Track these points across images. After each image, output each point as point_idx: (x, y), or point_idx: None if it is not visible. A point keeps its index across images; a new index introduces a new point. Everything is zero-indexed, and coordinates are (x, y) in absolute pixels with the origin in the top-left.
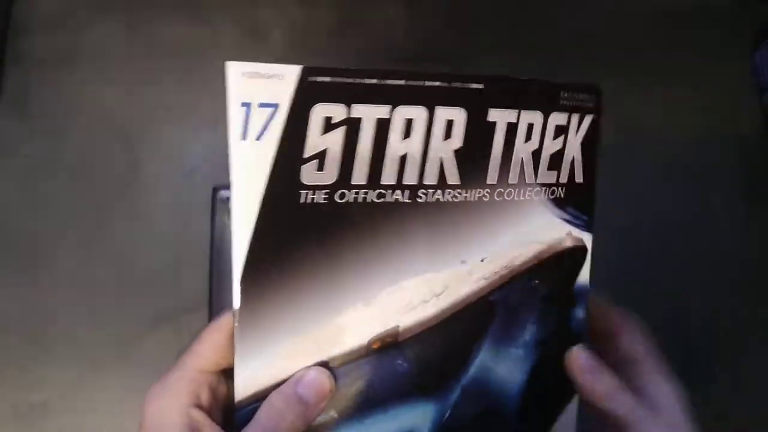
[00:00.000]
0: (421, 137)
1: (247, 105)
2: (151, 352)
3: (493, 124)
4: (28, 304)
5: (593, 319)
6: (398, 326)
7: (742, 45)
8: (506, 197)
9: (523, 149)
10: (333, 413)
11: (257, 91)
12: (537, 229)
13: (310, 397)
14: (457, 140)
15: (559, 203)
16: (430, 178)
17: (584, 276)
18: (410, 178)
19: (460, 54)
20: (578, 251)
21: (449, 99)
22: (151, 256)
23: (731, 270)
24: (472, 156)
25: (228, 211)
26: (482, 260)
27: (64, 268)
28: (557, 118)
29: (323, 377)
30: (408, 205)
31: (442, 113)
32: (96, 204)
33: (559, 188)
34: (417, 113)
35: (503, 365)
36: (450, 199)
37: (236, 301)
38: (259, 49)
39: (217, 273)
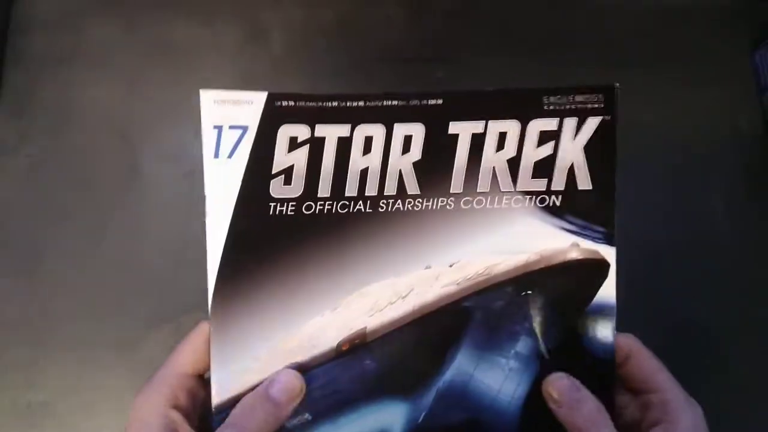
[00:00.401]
0: (380, 152)
1: (218, 127)
2: (151, 352)
3: (455, 136)
4: (28, 304)
5: None
6: (365, 327)
7: (742, 45)
8: (475, 205)
9: (494, 158)
10: (307, 416)
11: (228, 115)
12: (522, 238)
13: (281, 398)
14: (416, 153)
15: (553, 212)
16: (390, 189)
17: (606, 293)
18: (371, 190)
19: (460, 54)
20: (593, 265)
21: (407, 116)
22: (151, 256)
23: (731, 270)
24: (432, 167)
25: None
26: (450, 266)
27: (64, 268)
28: (541, 124)
29: (294, 379)
30: (370, 214)
31: (400, 130)
32: (96, 204)
33: (553, 196)
34: (376, 131)
35: (488, 374)
36: (410, 208)
37: (211, 308)
38: (259, 49)
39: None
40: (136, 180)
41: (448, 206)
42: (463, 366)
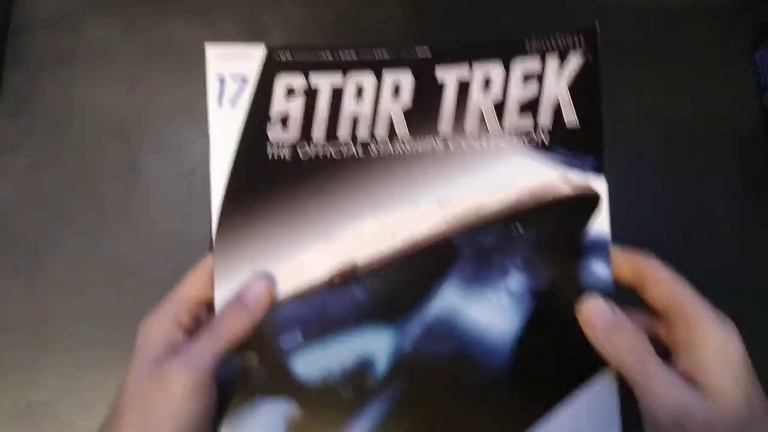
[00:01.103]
0: (372, 99)
1: (221, 78)
2: None
3: (442, 81)
4: (28, 304)
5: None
6: (355, 261)
7: (742, 45)
8: (464, 147)
9: (480, 101)
10: (299, 337)
11: (230, 67)
12: (511, 176)
13: (252, 303)
14: (405, 99)
15: (541, 148)
16: (382, 134)
17: (599, 225)
18: (363, 135)
19: None
20: (584, 197)
21: (396, 64)
22: (151, 256)
23: (731, 269)
24: (421, 112)
25: None
26: (440, 204)
27: (64, 268)
28: (525, 66)
29: (263, 286)
30: (362, 158)
31: (390, 77)
32: (96, 204)
33: (540, 132)
34: (366, 79)
35: (477, 309)
36: (401, 152)
37: (214, 240)
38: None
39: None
40: (136, 180)
41: (436, 148)
42: (451, 299)
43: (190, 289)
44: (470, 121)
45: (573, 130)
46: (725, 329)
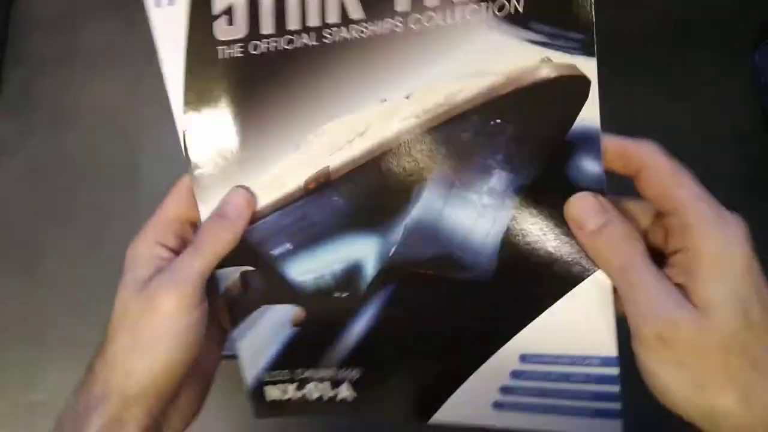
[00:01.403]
0: None
1: None
2: None
3: None
4: (28, 305)
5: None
6: (328, 166)
7: (742, 45)
8: (426, 24)
9: None
10: (288, 245)
11: None
12: (483, 58)
13: (232, 214)
14: None
15: (516, 21)
16: (333, 17)
17: (589, 115)
18: (314, 20)
19: None
20: (568, 83)
21: None
22: None
23: None
24: None
25: None
26: (407, 97)
27: (64, 268)
28: None
29: (241, 197)
30: (316, 47)
31: None
32: (96, 204)
33: (513, 0)
34: None
35: (460, 211)
36: (357, 36)
37: (186, 158)
38: None
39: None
40: (136, 180)
41: (396, 28)
42: (431, 202)
43: (172, 208)
44: None
45: None
46: (725, 233)
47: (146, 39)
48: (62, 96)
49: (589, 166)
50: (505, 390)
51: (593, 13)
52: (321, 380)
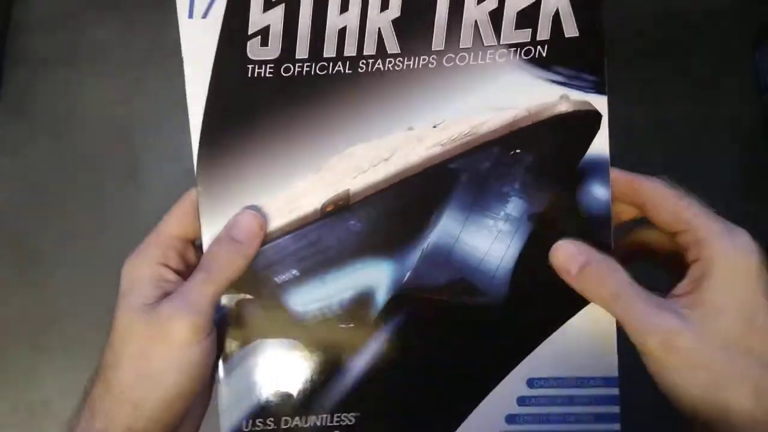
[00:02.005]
0: (358, 10)
1: None
2: None
3: None
4: (28, 305)
5: (614, 196)
6: (348, 190)
7: (742, 45)
8: (458, 62)
9: (475, 11)
10: (294, 272)
11: None
12: (508, 94)
13: (243, 237)
14: (395, 10)
15: (540, 63)
16: (370, 49)
17: (599, 147)
18: (350, 50)
19: None
20: (583, 117)
21: None
22: None
23: None
24: (412, 24)
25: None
26: (434, 126)
27: (64, 268)
28: None
29: (252, 218)
30: (350, 75)
31: None
32: (96, 204)
33: (538, 47)
34: None
35: (476, 236)
36: (391, 68)
37: (196, 172)
38: None
39: None
40: (136, 180)
41: (429, 65)
42: (449, 228)
43: (173, 226)
44: (465, 34)
45: (573, 43)
46: (735, 243)
47: (146, 39)
48: (62, 96)
49: (599, 192)
50: (511, 419)
51: (605, 58)
52: (310, 430)
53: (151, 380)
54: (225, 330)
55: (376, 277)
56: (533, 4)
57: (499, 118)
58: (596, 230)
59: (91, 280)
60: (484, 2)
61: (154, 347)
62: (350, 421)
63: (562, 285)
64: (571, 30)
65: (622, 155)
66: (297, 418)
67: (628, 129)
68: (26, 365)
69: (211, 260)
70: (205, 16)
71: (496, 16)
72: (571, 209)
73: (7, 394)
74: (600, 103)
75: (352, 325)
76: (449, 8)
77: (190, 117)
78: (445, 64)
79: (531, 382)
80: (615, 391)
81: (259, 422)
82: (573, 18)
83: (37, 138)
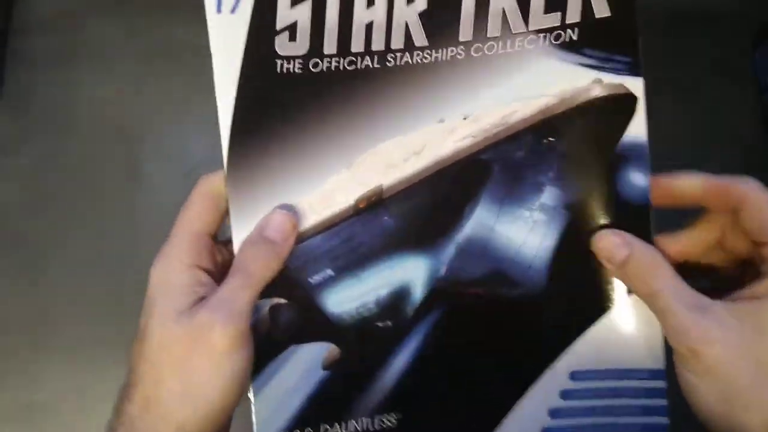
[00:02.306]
0: (385, 4)
1: None
2: None
3: None
4: (28, 305)
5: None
6: (381, 185)
7: (742, 45)
8: (487, 52)
9: None
10: (329, 271)
11: None
12: (539, 82)
13: (276, 237)
14: (422, 2)
15: (570, 47)
16: (398, 43)
17: (636, 131)
18: (378, 45)
19: None
20: (618, 100)
21: None
22: (151, 256)
23: None
24: (439, 16)
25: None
26: (465, 118)
27: (64, 268)
28: None
29: (284, 217)
30: (378, 70)
31: None
32: (96, 204)
33: (568, 30)
34: None
35: (511, 227)
36: (419, 61)
37: (226, 168)
38: None
39: None
40: (136, 180)
41: (458, 56)
42: (483, 219)
43: (196, 222)
44: (492, 23)
45: (604, 24)
46: None
47: (146, 39)
48: (62, 96)
49: (636, 179)
50: (555, 413)
51: (639, 37)
52: None
53: (194, 397)
54: (258, 337)
55: (412, 272)
56: None
57: (531, 106)
58: (635, 220)
59: (91, 280)
60: None
61: (194, 358)
62: (392, 423)
63: (602, 275)
64: (602, 10)
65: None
66: (337, 424)
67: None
68: (26, 365)
69: (245, 262)
70: (233, 11)
71: (524, 1)
72: (608, 197)
73: (7, 394)
74: (635, 85)
75: (389, 323)
76: None
77: (219, 113)
78: (473, 54)
79: (574, 375)
80: (662, 383)
81: None
82: None
83: (37, 138)
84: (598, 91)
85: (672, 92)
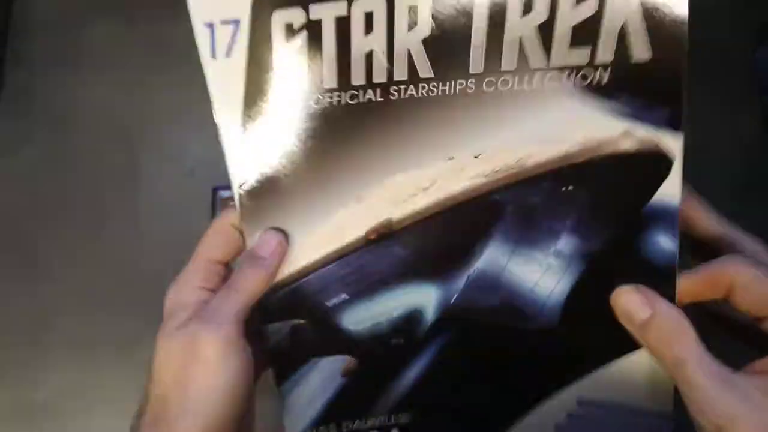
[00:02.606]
0: (384, 30)
1: (210, 24)
2: (151, 352)
3: (470, 1)
4: (28, 305)
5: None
6: (391, 218)
7: (742, 45)
8: (500, 87)
9: (520, 25)
10: (344, 296)
11: (217, 10)
12: (560, 126)
13: (263, 253)
14: (425, 28)
15: (599, 91)
16: (400, 74)
17: (668, 192)
18: (379, 76)
19: None
20: (648, 158)
21: None
22: (151, 256)
23: None
24: (446, 44)
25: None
26: (476, 157)
27: (64, 268)
28: None
29: (270, 235)
30: (382, 103)
31: (402, 1)
32: (96, 204)
33: (599, 70)
34: (375, 4)
35: (524, 268)
36: (425, 94)
37: (238, 205)
38: None
39: None
40: (136, 180)
41: (468, 90)
42: (495, 257)
43: (211, 251)
44: (508, 54)
45: (642, 69)
46: None
47: (147, 39)
48: (62, 96)
49: (665, 242)
50: (560, 429)
51: (684, 88)
52: (369, 430)
53: (192, 409)
54: (281, 354)
55: (423, 298)
56: (593, 15)
57: (549, 151)
58: (659, 281)
59: (91, 279)
60: (531, 14)
61: (189, 369)
62: (406, 419)
63: (619, 326)
64: (642, 51)
65: None
66: (357, 421)
67: None
68: (27, 365)
69: (235, 277)
70: (228, 54)
71: (546, 31)
72: (631, 254)
73: (7, 394)
74: (672, 143)
75: (401, 340)
76: (488, 23)
77: (226, 155)
78: (485, 88)
79: (581, 403)
80: (669, 425)
81: (322, 429)
82: (646, 36)
83: (36, 138)
84: (626, 145)
85: None
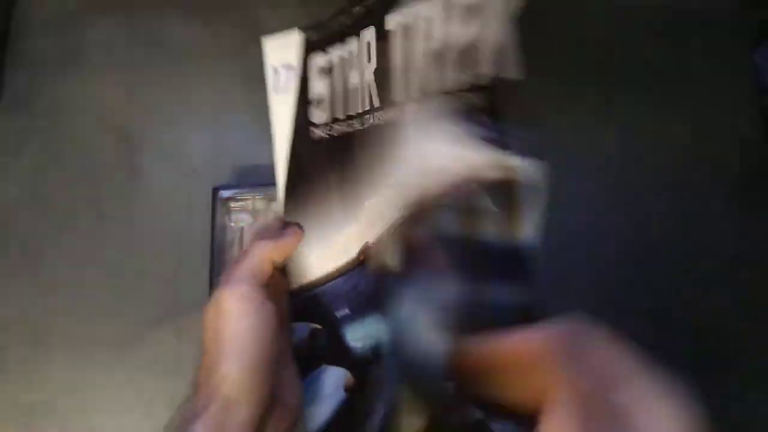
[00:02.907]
0: (358, 66)
1: (275, 68)
2: (151, 352)
3: (391, 32)
4: (28, 304)
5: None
6: (368, 242)
7: (742, 45)
8: (415, 115)
9: (423, 51)
10: (347, 310)
11: (280, 57)
12: (442, 155)
13: (277, 228)
14: (374, 60)
15: (474, 114)
16: (365, 104)
17: (527, 227)
18: (355, 108)
19: None
20: (507, 185)
21: (367, 21)
22: (151, 255)
23: (731, 271)
24: (382, 73)
25: (228, 211)
26: (393, 191)
27: (64, 268)
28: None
29: (293, 226)
30: (359, 131)
31: (365, 36)
32: (96, 204)
33: (474, 92)
34: (352, 45)
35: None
36: (376, 122)
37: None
38: (259, 49)
39: (217, 273)
40: (136, 180)
41: (396, 118)
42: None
43: (268, 251)
44: (415, 80)
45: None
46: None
47: (147, 40)
48: (63, 96)
49: (512, 293)
50: None
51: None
52: None
53: (226, 352)
54: (301, 353)
55: (381, 328)
56: (477, 35)
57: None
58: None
59: (91, 280)
60: (430, 39)
61: (218, 322)
62: None
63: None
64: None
65: (622, 156)
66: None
67: (627, 130)
68: (27, 364)
69: (249, 246)
70: (284, 91)
71: (441, 54)
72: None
73: (8, 394)
74: (523, 166)
75: (376, 367)
76: (402, 49)
77: (277, 174)
78: (403, 117)
79: None
80: None
81: None
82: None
83: (37, 138)
84: (492, 173)
85: (671, 92)
